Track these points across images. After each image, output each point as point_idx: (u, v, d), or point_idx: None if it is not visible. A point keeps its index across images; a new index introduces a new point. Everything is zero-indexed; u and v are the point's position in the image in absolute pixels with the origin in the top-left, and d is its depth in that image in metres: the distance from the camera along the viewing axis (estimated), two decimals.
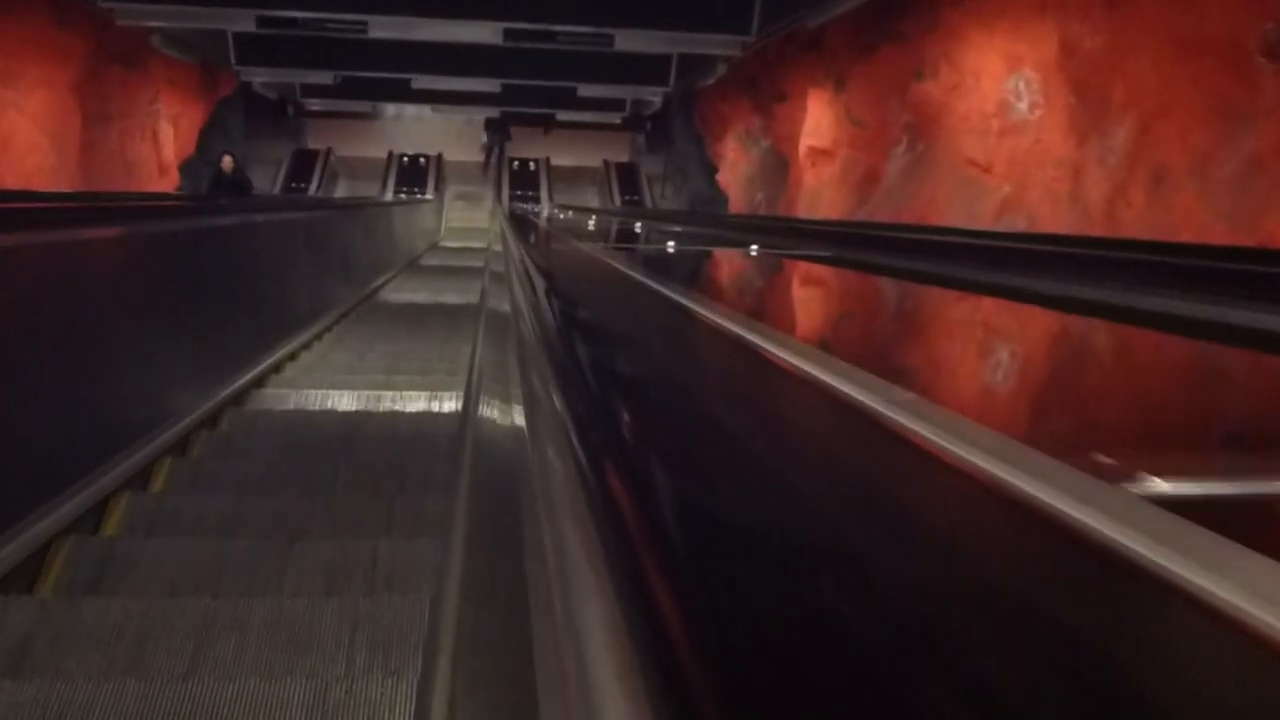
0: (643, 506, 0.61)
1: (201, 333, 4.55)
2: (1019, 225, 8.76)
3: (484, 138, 22.76)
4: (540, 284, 2.71)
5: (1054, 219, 8.35)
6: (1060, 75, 8.23)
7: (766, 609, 0.44)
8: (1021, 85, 8.70)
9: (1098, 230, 7.81)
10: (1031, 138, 8.68)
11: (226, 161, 10.39)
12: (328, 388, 5.01)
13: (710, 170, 21.44)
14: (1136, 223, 7.51)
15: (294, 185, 21.35)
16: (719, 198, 21.06)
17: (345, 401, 4.79)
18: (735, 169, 19.04)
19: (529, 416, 1.13)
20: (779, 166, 16.45)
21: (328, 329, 7.02)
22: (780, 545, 0.53)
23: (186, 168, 19.22)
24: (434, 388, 5.23)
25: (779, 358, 1.12)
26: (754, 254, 3.25)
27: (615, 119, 21.33)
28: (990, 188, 9.19)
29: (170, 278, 4.27)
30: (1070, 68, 8.09)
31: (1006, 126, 8.94)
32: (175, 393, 4.09)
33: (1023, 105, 8.73)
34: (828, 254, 3.31)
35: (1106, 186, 7.79)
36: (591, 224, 7.16)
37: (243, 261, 5.39)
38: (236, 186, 10.32)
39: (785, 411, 0.96)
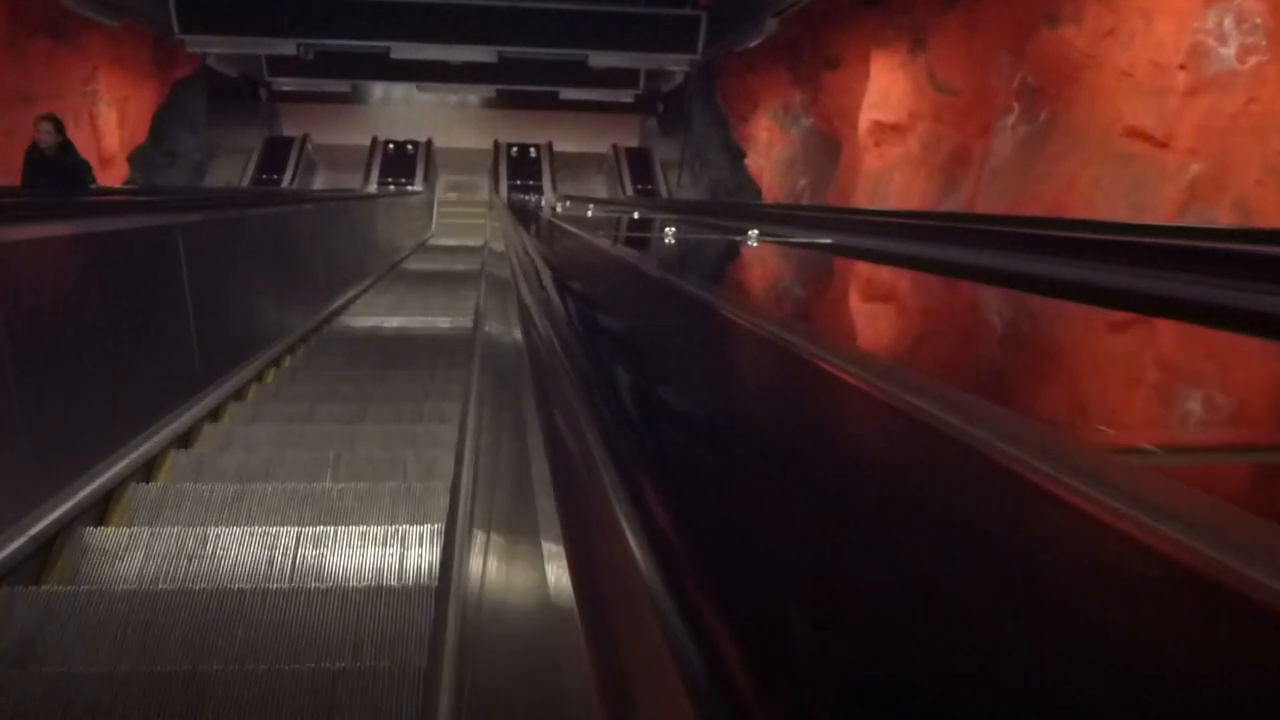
0: None
1: None
2: (1220, 218, 6.32)
3: None
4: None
5: None
6: None
7: None
8: (1228, 23, 6.24)
9: None
10: (1242, 97, 6.22)
11: (44, 132, 6.84)
12: (214, 528, 2.59)
13: (736, 154, 19.01)
14: None
15: (265, 177, 18.91)
16: (746, 186, 18.62)
17: (242, 567, 2.36)
18: (769, 152, 16.51)
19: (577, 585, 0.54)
20: (826, 148, 13.95)
21: (239, 392, 4.57)
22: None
23: (138, 158, 16.79)
24: (397, 518, 2.82)
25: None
26: None
27: (627, 97, 18.87)
28: (1169, 167, 6.73)
29: None
30: None
31: (1199, 82, 6.48)
32: None
33: (1228, 51, 6.26)
34: None
35: None
36: (671, 237, 3.50)
37: (70, 296, 2.96)
38: (61, 170, 6.87)
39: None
